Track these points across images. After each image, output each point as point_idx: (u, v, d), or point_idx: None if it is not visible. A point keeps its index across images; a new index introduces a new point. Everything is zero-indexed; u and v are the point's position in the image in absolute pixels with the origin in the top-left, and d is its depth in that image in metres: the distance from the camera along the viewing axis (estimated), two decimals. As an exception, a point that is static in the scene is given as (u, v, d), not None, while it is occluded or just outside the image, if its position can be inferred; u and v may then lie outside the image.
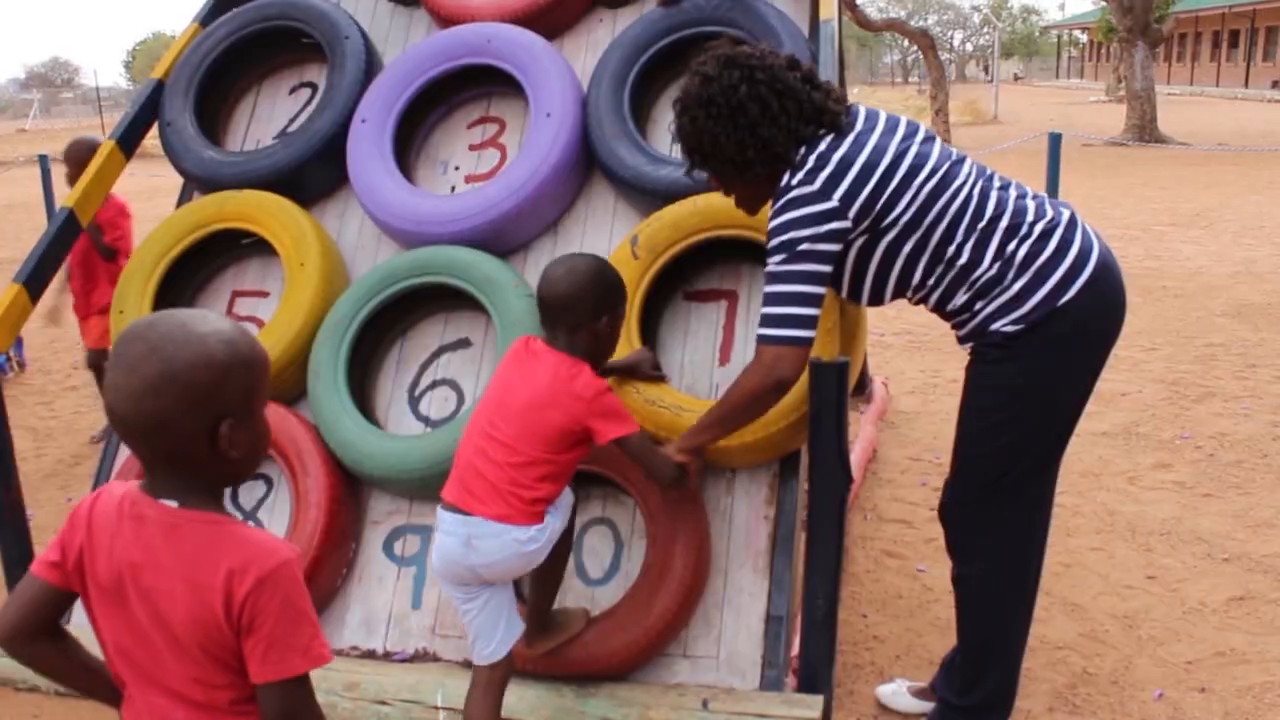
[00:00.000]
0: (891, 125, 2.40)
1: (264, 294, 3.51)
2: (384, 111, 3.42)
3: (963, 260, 2.35)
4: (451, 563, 2.36)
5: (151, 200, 15.36)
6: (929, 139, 2.42)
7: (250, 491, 3.23)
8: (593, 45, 3.61)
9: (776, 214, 2.33)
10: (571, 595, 2.87)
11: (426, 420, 3.17)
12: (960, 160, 2.41)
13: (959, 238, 2.35)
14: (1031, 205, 2.39)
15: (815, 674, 2.61)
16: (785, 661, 2.69)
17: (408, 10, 3.89)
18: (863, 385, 5.21)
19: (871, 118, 2.41)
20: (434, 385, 3.21)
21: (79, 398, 6.14)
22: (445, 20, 3.67)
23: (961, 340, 2.50)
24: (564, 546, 2.57)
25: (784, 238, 2.30)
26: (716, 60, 2.37)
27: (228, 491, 1.88)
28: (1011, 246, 2.34)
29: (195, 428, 1.37)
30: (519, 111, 3.51)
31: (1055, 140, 7.23)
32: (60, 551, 1.46)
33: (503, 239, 3.22)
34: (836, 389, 2.47)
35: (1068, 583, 3.56)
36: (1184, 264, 8.81)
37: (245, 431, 1.41)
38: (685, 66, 3.38)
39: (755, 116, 2.31)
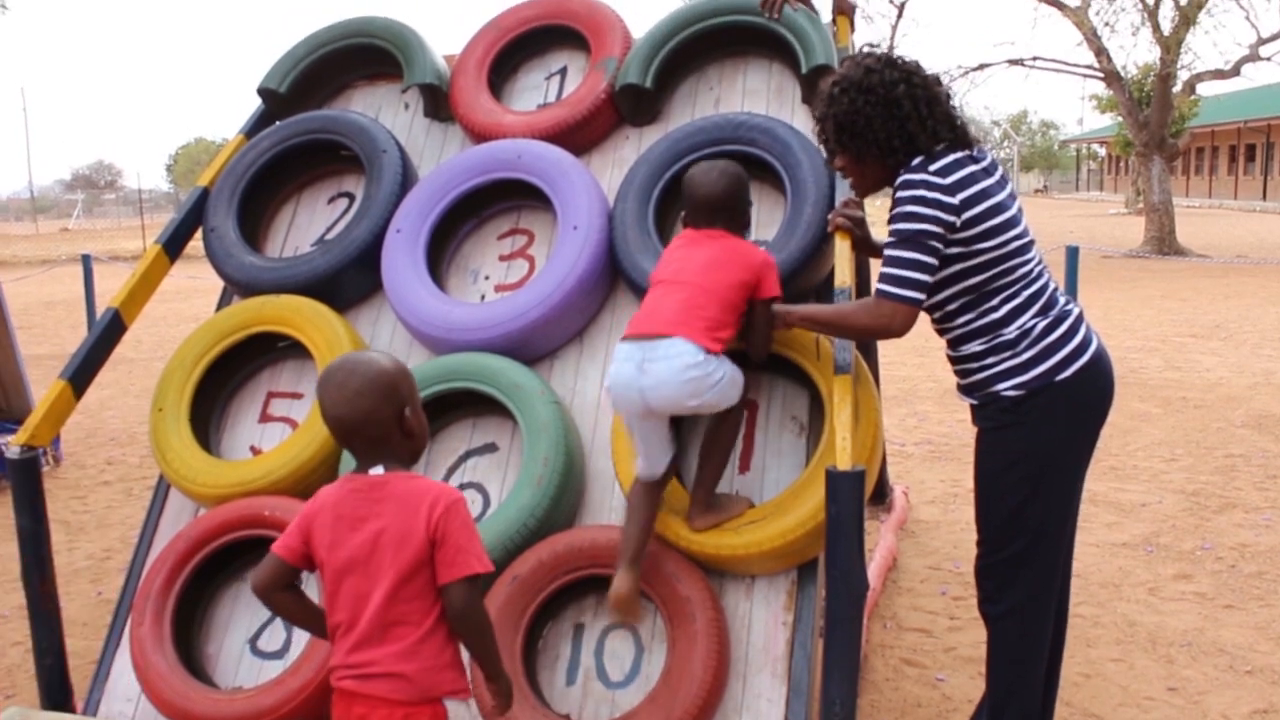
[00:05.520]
0: (1004, 179, 2.71)
1: (298, 395, 3.61)
2: (418, 222, 3.57)
3: (996, 316, 2.66)
4: (623, 386, 2.67)
5: (189, 300, 15.74)
6: (1019, 206, 2.74)
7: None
8: (619, 162, 3.76)
9: (907, 188, 2.62)
10: (592, 699, 2.89)
11: (452, 521, 3.23)
12: (1032, 238, 2.75)
13: (1007, 294, 2.66)
14: (1060, 295, 2.77)
15: (832, 782, 2.61)
16: (803, 769, 2.70)
17: (443, 126, 4.08)
18: (883, 494, 5.24)
19: (994, 166, 2.72)
20: (461, 488, 3.28)
21: (112, 493, 6.24)
22: (478, 136, 3.84)
23: (963, 390, 2.80)
24: (731, 428, 2.87)
25: (912, 209, 2.59)
26: (878, 58, 2.70)
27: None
28: (1035, 322, 2.66)
29: (390, 414, 2.10)
30: (547, 224, 3.65)
31: (1073, 253, 7.38)
32: (294, 537, 2.15)
33: (530, 347, 3.33)
34: (853, 497, 2.53)
35: (1088, 693, 3.54)
36: (1204, 375, 8.84)
37: (417, 417, 2.17)
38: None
39: (908, 112, 2.63)
